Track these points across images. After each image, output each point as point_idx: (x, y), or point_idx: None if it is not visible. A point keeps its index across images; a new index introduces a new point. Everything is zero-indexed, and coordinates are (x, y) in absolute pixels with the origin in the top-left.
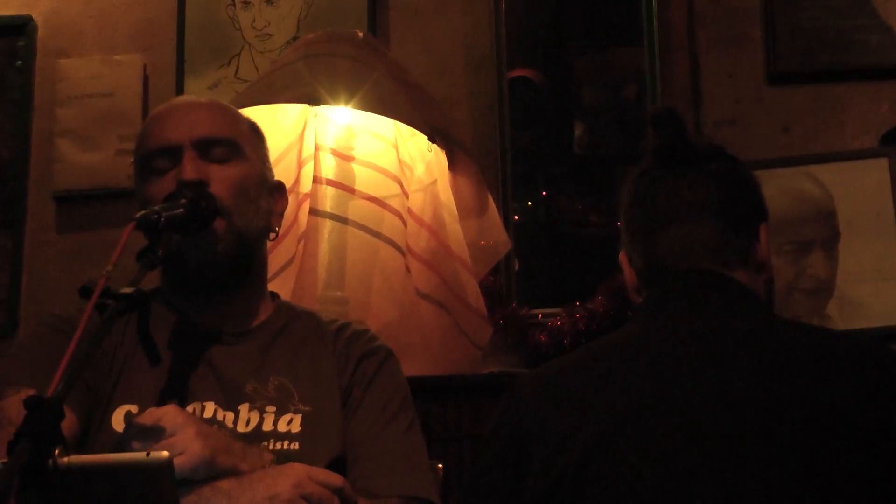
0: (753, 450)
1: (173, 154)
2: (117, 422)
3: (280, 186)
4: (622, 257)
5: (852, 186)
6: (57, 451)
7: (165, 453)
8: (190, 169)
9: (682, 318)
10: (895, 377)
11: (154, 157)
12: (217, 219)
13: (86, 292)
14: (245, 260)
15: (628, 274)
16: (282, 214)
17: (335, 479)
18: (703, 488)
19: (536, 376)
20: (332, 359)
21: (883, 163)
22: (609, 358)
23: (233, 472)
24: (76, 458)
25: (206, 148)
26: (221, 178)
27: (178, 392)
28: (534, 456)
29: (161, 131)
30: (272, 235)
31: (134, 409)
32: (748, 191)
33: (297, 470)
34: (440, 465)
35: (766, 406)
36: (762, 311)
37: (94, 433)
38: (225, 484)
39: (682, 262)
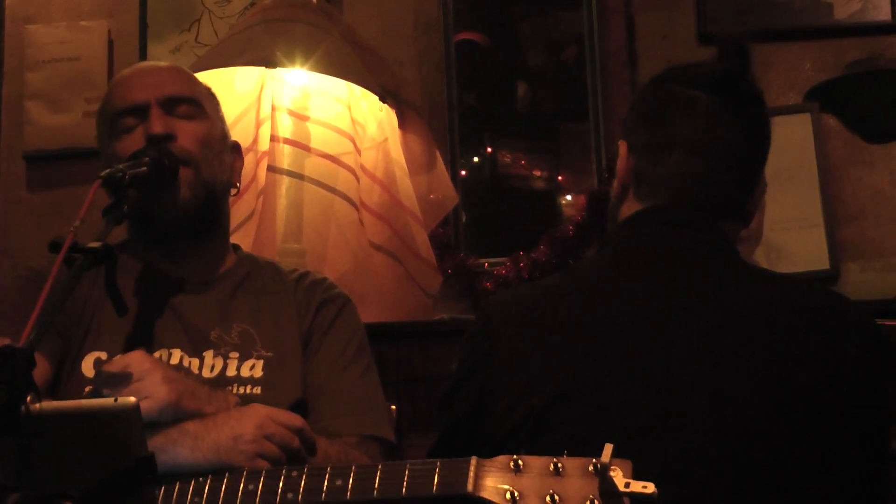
0: (711, 400)
1: (140, 112)
2: (87, 368)
3: (237, 146)
4: (623, 146)
5: (778, 140)
6: (29, 398)
7: (132, 399)
8: (157, 124)
9: (656, 263)
10: (852, 330)
11: (122, 116)
12: (184, 169)
13: (55, 247)
14: (210, 210)
15: (624, 163)
16: (240, 172)
17: (295, 419)
18: (659, 437)
19: (507, 304)
20: (292, 306)
21: (806, 118)
22: (580, 297)
23: (198, 415)
24: (48, 405)
25: (172, 105)
26: (187, 133)
27: (145, 339)
28: (499, 398)
29: (127, 92)
30: (233, 191)
31: (103, 355)
32: (767, 147)
33: (260, 411)
34: (394, 406)
35: (725, 357)
36: (734, 262)
37: (65, 379)
38: (191, 426)
39: (678, 192)
